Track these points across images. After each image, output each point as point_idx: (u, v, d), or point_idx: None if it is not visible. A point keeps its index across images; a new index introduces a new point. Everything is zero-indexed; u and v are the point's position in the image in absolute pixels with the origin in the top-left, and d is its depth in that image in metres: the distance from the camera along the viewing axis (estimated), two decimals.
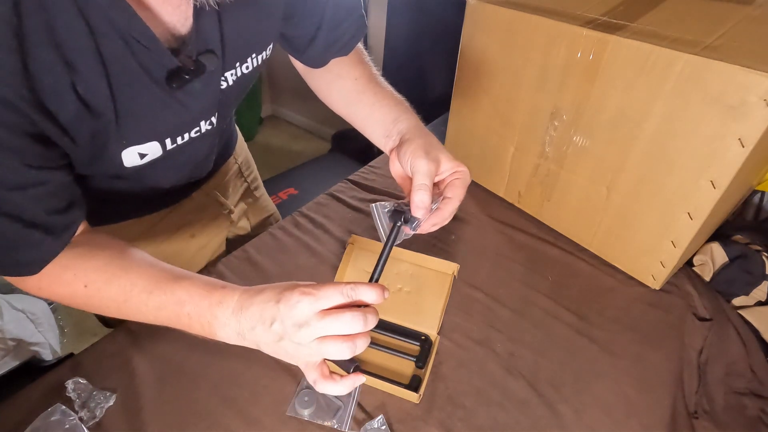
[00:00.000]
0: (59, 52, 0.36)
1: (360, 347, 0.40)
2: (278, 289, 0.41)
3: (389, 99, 0.60)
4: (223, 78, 0.51)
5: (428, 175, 0.49)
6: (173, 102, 0.46)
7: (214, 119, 0.55)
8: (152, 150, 0.49)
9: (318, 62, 0.65)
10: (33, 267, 0.43)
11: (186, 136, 0.52)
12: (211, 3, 0.39)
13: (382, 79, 0.64)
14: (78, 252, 0.45)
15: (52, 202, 0.42)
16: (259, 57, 0.56)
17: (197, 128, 0.53)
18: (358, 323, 0.39)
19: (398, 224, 0.48)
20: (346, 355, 0.39)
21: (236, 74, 0.53)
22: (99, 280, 0.44)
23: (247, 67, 0.54)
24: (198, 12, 0.44)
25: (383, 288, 0.41)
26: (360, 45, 0.67)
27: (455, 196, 0.51)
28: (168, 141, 0.50)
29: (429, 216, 0.50)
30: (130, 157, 0.48)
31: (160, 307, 0.44)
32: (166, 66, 0.43)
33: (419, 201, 0.47)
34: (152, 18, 0.41)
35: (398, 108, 0.59)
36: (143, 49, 0.40)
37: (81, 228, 0.47)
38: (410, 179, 0.50)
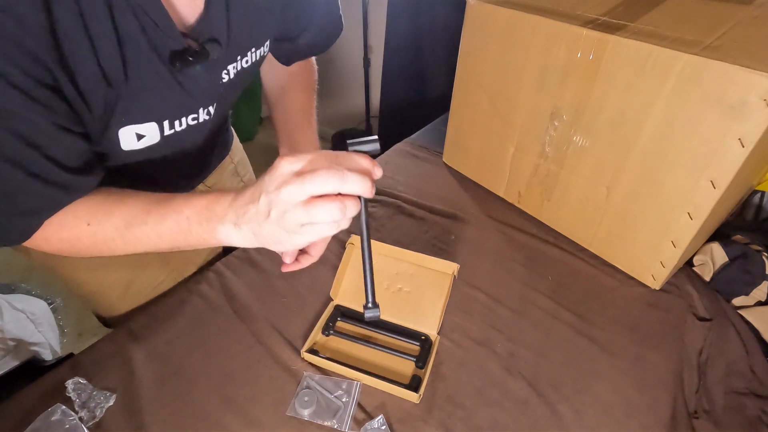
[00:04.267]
0: (81, 18, 0.38)
1: (350, 208, 0.37)
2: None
3: (305, 130, 0.67)
4: (225, 71, 0.53)
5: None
6: (175, 84, 0.48)
7: (212, 109, 0.56)
8: (150, 132, 0.50)
9: (288, 60, 0.69)
10: (39, 217, 0.44)
11: (184, 121, 0.53)
12: None
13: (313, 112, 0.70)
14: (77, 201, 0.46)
15: (71, 161, 0.43)
16: (258, 52, 0.57)
17: (195, 115, 0.54)
18: (334, 177, 0.36)
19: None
20: (336, 216, 0.37)
21: (237, 68, 0.55)
22: (99, 213, 0.45)
23: (247, 61, 0.56)
24: (209, 1, 0.46)
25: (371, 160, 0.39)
26: (315, 65, 0.73)
27: None
28: (166, 124, 0.51)
29: None
30: (128, 138, 0.49)
31: (160, 220, 0.44)
32: (173, 46, 0.45)
33: None
34: (166, 3, 0.43)
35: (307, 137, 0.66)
36: (154, 27, 0.42)
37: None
38: None
